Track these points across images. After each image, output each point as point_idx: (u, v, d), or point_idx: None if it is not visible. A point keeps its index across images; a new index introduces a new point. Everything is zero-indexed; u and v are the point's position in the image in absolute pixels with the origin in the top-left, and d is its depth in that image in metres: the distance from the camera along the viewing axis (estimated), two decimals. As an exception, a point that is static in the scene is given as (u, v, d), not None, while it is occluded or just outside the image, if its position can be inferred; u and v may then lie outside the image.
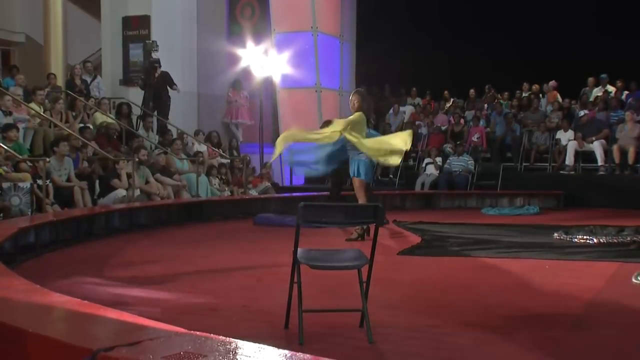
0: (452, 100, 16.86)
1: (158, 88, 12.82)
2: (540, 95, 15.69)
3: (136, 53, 13.95)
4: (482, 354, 3.34)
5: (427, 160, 13.93)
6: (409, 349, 3.44)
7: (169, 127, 12.95)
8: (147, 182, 10.19)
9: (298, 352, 2.30)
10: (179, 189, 10.83)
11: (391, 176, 14.29)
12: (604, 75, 14.97)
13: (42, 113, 10.52)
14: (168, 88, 12.97)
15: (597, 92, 14.98)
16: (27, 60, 15.22)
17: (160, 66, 12.79)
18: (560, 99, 15.16)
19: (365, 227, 7.24)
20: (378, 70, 16.60)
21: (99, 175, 9.81)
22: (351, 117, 7.21)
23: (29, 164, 8.76)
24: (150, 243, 7.49)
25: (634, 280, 5.10)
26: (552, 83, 15.35)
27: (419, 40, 17.37)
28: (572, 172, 13.14)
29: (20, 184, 7.92)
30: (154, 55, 12.80)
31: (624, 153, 12.66)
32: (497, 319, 4.03)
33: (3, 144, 8.68)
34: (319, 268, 3.62)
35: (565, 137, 13.48)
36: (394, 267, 5.86)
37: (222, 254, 6.73)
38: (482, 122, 14.95)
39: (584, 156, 13.25)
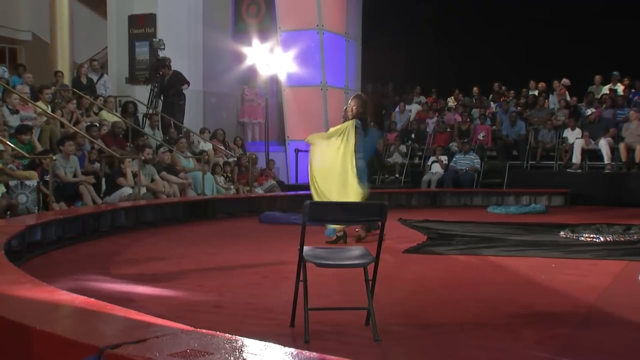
0: (459, 98, 16.80)
1: (167, 87, 12.84)
2: (544, 93, 15.61)
3: (142, 51, 13.97)
4: (488, 351, 3.33)
5: (432, 158, 13.92)
6: (414, 347, 3.43)
7: (178, 125, 12.97)
8: (152, 180, 10.21)
9: (304, 350, 2.30)
10: (185, 187, 10.86)
11: (397, 175, 14.28)
12: (615, 73, 14.90)
13: (48, 111, 10.55)
14: (181, 87, 13.02)
15: (606, 90, 14.92)
16: (33, 59, 15.27)
17: (170, 66, 12.81)
18: (568, 97, 15.11)
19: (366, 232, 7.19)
20: (384, 68, 16.58)
21: (105, 173, 9.83)
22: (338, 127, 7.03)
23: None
24: (156, 241, 7.50)
25: (640, 278, 5.08)
26: (565, 80, 15.28)
27: (424, 37, 17.33)
28: (579, 170, 13.10)
29: (27, 182, 7.95)
30: (160, 53, 12.82)
31: (630, 151, 12.62)
32: (503, 316, 4.03)
33: (14, 144, 8.73)
34: (324, 266, 3.62)
35: (572, 135, 13.44)
36: (400, 265, 5.86)
37: (228, 251, 6.74)
38: (487, 121, 14.92)
39: (591, 154, 13.21)
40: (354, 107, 7.07)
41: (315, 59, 14.58)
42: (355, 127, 6.92)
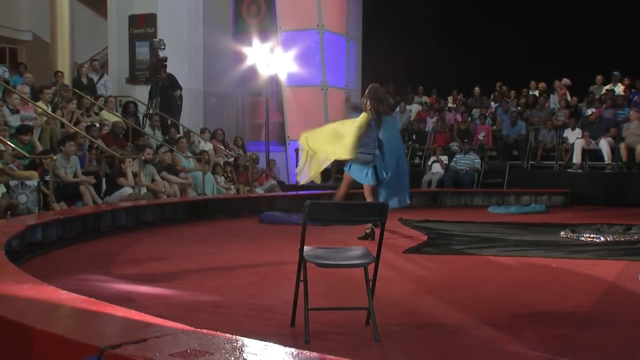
0: (458, 98, 16.80)
1: (165, 87, 12.87)
2: (545, 93, 15.62)
3: (142, 51, 13.98)
4: (488, 351, 3.33)
5: (432, 158, 13.92)
6: (415, 346, 3.43)
7: (178, 126, 12.98)
8: (153, 180, 10.22)
9: (304, 350, 2.30)
10: (185, 187, 10.86)
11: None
12: (615, 73, 14.91)
13: (49, 111, 10.55)
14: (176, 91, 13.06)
15: (607, 89, 14.93)
16: (33, 59, 15.27)
17: (166, 66, 12.82)
18: (569, 97, 15.11)
19: (371, 229, 7.16)
20: (384, 68, 16.59)
21: (106, 173, 9.84)
22: (357, 121, 7.03)
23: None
24: (156, 241, 7.50)
25: (641, 278, 5.08)
26: (565, 80, 15.29)
27: (425, 37, 17.34)
28: (579, 170, 13.10)
29: (28, 182, 7.95)
30: (161, 53, 12.83)
31: (630, 151, 12.61)
32: (504, 317, 4.03)
33: (15, 144, 8.73)
34: (325, 266, 3.62)
35: (573, 135, 13.45)
36: (400, 265, 5.86)
37: (228, 251, 6.74)
38: (488, 120, 14.92)
39: (591, 154, 13.21)
40: (368, 103, 7.11)
41: (315, 59, 14.59)
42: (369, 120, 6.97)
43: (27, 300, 3.07)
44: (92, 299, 3.09)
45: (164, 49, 12.87)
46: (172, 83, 13.00)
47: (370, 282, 3.58)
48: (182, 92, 13.14)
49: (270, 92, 15.05)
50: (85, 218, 7.45)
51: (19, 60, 15.03)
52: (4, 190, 7.86)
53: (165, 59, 12.79)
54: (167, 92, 12.95)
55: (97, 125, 11.15)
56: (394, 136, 7.54)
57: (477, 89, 16.36)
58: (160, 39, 13.01)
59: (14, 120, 9.76)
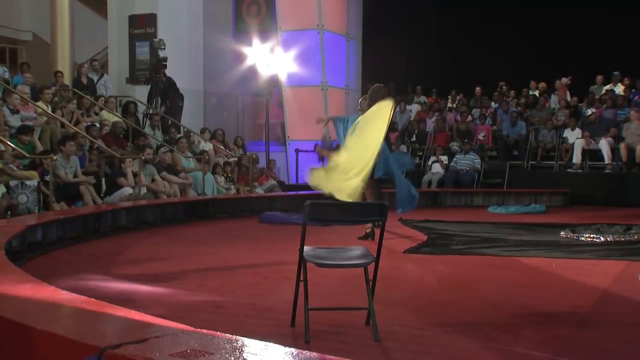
0: (457, 98, 16.80)
1: (165, 88, 12.87)
2: (545, 93, 15.62)
3: (143, 51, 13.99)
4: (488, 351, 3.33)
5: (433, 158, 13.92)
6: (415, 347, 3.43)
7: (178, 125, 12.99)
8: (153, 180, 10.22)
9: (304, 350, 2.30)
10: (185, 187, 10.86)
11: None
12: (616, 73, 14.91)
13: (49, 111, 10.55)
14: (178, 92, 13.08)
15: (607, 89, 14.93)
16: (34, 59, 15.27)
17: (166, 65, 12.82)
18: (569, 97, 15.12)
19: (371, 229, 7.18)
20: (384, 68, 16.60)
21: (106, 174, 9.84)
22: (378, 119, 6.39)
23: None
24: (157, 241, 7.51)
25: (641, 278, 5.08)
26: (565, 80, 15.28)
27: (425, 37, 17.34)
28: (579, 170, 13.10)
29: (28, 182, 7.96)
30: (161, 53, 12.83)
31: (631, 151, 12.61)
32: (504, 317, 4.03)
33: (15, 144, 8.74)
34: (325, 266, 3.62)
35: (573, 135, 13.45)
36: (401, 265, 5.86)
37: (228, 251, 6.75)
38: (488, 120, 14.92)
39: (591, 154, 13.22)
40: (366, 107, 7.06)
41: (315, 59, 14.59)
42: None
43: (28, 300, 3.08)
44: (93, 299, 3.09)
45: (164, 49, 12.88)
46: (172, 87, 13.00)
47: (370, 282, 3.58)
48: (168, 105, 13.14)
49: (272, 92, 15.05)
50: (86, 218, 7.46)
51: (20, 60, 15.04)
52: (4, 190, 7.86)
53: (165, 59, 12.80)
54: (167, 94, 12.94)
55: (97, 125, 11.15)
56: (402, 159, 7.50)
57: (478, 88, 16.35)
58: (160, 39, 13.02)
59: (14, 120, 9.77)
